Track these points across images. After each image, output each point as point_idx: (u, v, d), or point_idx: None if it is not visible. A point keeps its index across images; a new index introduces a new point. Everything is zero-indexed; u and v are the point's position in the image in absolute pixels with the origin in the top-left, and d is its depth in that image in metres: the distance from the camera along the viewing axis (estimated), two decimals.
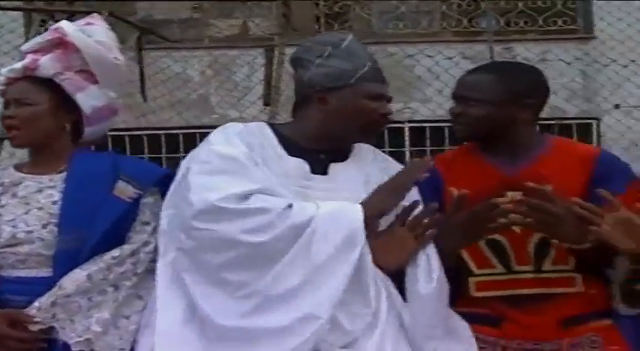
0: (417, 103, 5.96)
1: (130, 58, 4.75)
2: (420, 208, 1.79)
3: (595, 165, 1.90)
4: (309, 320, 1.60)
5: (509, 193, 1.85)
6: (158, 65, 5.56)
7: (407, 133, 5.98)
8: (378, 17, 6.81)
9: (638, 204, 1.80)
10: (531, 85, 1.95)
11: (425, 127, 5.86)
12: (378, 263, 1.73)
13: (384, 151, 5.92)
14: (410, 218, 1.77)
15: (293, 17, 5.04)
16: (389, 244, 1.76)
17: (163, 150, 5.88)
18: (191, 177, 1.72)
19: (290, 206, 1.66)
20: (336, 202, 1.72)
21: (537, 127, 2.10)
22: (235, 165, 1.72)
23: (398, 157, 5.43)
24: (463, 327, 1.82)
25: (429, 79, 5.79)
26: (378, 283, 1.73)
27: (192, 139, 4.87)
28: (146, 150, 5.91)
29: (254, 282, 1.63)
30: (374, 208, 1.72)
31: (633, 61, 5.35)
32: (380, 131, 1.89)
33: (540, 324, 1.85)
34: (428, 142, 5.86)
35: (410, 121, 5.93)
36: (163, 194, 1.84)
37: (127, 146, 5.85)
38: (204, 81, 6.00)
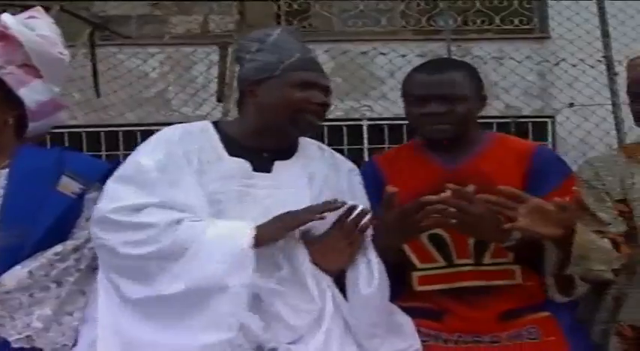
0: (376, 101, 6.01)
1: (84, 54, 4.70)
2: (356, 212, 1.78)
3: (532, 160, 1.94)
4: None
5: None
6: (111, 61, 5.51)
7: (365, 130, 6.03)
8: (338, 15, 6.84)
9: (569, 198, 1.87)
10: (481, 80, 2.01)
11: (383, 125, 5.91)
12: (319, 266, 1.75)
13: (342, 149, 5.94)
14: (345, 223, 1.78)
15: (252, 15, 5.04)
16: (327, 248, 1.77)
17: (121, 147, 5.83)
18: (108, 182, 1.78)
19: (178, 222, 1.68)
20: (229, 223, 1.71)
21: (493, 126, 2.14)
22: (145, 176, 1.75)
23: (357, 154, 5.52)
24: (407, 323, 1.84)
25: (387, 77, 5.84)
26: (322, 283, 1.74)
27: (150, 136, 4.85)
28: (103, 147, 5.87)
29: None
30: (265, 234, 1.70)
31: (582, 60, 5.46)
32: (315, 121, 1.84)
33: (481, 317, 1.88)
34: (386, 139, 5.91)
35: (369, 119, 5.97)
36: None
37: (84, 143, 5.79)
38: (162, 78, 5.97)
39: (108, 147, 5.87)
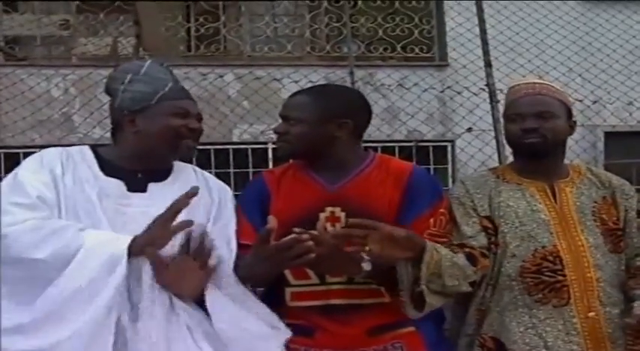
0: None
1: None
2: (204, 235, 1.84)
3: (408, 180, 2.04)
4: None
5: (329, 209, 1.98)
6: (4, 82, 5.41)
7: (270, 153, 6.12)
8: (247, 40, 6.94)
9: (432, 220, 1.99)
10: (347, 107, 2.07)
11: None
12: (173, 292, 1.81)
13: (247, 172, 5.92)
14: (193, 247, 1.84)
15: (157, 39, 5.06)
16: (178, 273, 1.81)
17: None
18: None
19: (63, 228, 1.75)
20: (107, 233, 1.79)
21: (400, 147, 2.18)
22: (27, 199, 1.79)
23: None
24: None
25: None
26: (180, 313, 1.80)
27: None
28: (2, 168, 5.74)
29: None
30: (142, 238, 1.78)
31: (466, 88, 5.72)
32: (192, 146, 1.96)
33: (350, 333, 1.96)
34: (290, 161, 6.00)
35: (274, 143, 6.05)
36: None
37: None
38: (67, 99, 5.91)
39: (8, 169, 5.74)
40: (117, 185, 1.89)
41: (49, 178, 1.83)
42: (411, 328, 2.00)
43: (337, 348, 1.96)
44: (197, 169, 2.08)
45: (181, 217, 1.83)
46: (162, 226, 1.77)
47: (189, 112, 1.94)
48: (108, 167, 1.91)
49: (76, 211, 1.82)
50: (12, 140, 5.54)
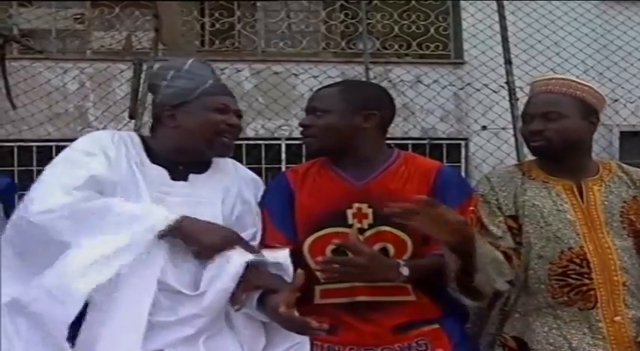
0: (295, 121, 6.10)
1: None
2: None
3: (435, 178, 2.02)
4: None
5: (355, 205, 1.97)
6: (22, 75, 5.42)
7: (283, 149, 6.10)
8: (261, 36, 6.93)
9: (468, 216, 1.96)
10: (374, 99, 2.06)
11: (301, 144, 5.99)
12: None
13: (260, 167, 5.92)
14: None
15: (174, 33, 5.05)
16: None
17: (34, 162, 5.74)
18: (41, 177, 1.85)
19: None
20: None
21: (411, 146, 2.17)
22: (76, 180, 1.82)
23: (274, 172, 5.58)
24: None
25: (307, 98, 5.93)
26: None
27: None
28: (16, 162, 5.76)
29: None
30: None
31: (486, 85, 5.68)
32: (230, 143, 1.98)
33: (375, 330, 1.95)
34: (303, 158, 5.99)
35: (287, 139, 6.05)
36: (5, 205, 1.84)
37: None
38: (80, 93, 5.91)
39: (22, 161, 5.77)
40: (160, 172, 1.93)
41: (103, 159, 1.86)
42: (436, 326, 1.99)
43: (362, 345, 1.95)
44: (237, 164, 2.12)
45: (201, 206, 1.89)
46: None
47: (229, 108, 1.97)
48: (153, 154, 1.96)
49: (130, 191, 1.85)
50: (28, 133, 5.55)
